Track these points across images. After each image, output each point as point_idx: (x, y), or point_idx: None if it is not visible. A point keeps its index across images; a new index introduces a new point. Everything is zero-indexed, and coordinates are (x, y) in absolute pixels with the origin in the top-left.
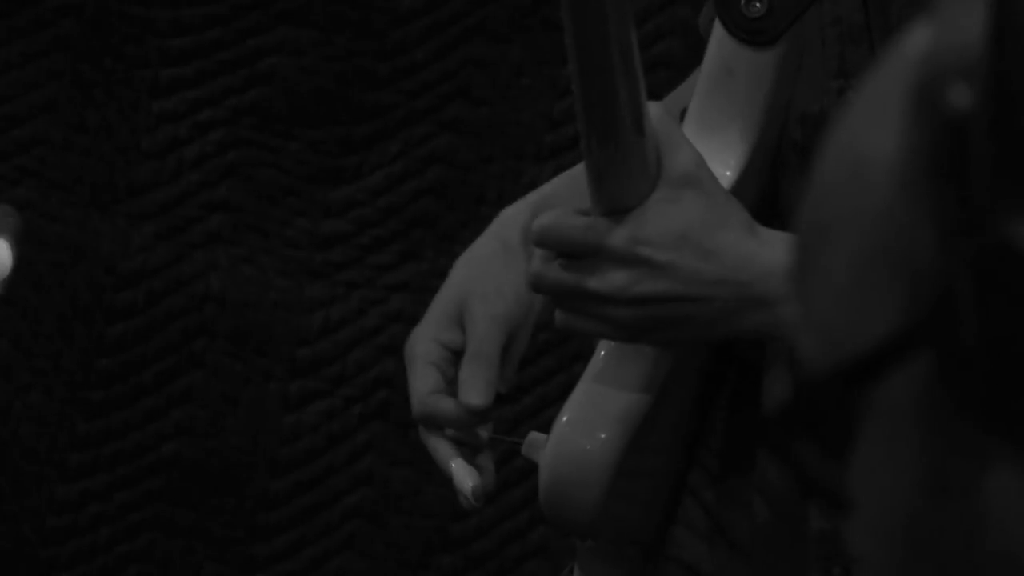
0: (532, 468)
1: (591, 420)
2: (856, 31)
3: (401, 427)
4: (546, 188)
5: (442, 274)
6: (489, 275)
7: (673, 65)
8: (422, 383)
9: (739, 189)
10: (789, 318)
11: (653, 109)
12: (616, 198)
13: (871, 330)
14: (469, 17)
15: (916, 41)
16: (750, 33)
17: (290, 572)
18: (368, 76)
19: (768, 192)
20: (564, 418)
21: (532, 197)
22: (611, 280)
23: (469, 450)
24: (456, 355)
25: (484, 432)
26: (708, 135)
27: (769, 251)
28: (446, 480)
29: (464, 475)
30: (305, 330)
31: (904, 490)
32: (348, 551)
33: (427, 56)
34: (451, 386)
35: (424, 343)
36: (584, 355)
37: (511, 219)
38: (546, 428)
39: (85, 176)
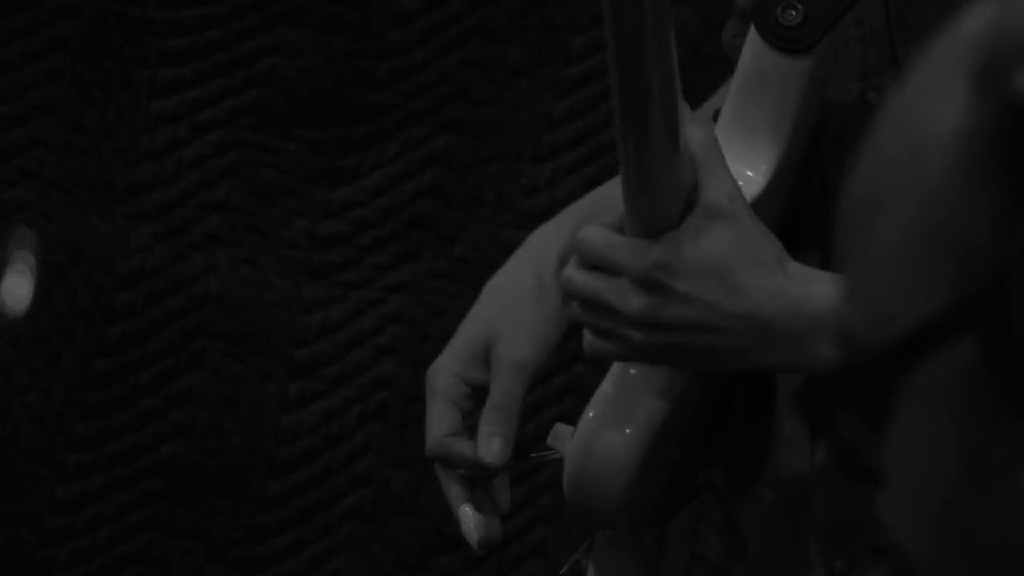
0: (533, 469)
1: (617, 416)
2: (877, 33)
3: (400, 428)
4: (583, 205)
5: (441, 275)
6: (519, 315)
7: None
8: (439, 423)
9: (769, 195)
10: (814, 356)
11: (697, 133)
12: (650, 216)
13: (920, 307)
14: (468, 18)
15: (975, 22)
16: (785, 41)
17: (289, 573)
18: (367, 77)
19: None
20: (591, 413)
21: (568, 220)
22: (632, 303)
23: (482, 480)
24: (477, 391)
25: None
26: (740, 140)
27: (797, 288)
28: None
29: (471, 526)
30: (304, 331)
31: (942, 468)
32: (347, 552)
33: (426, 57)
34: (468, 419)
35: (447, 378)
36: (583, 358)
37: (548, 249)
38: (545, 430)
39: (84, 177)
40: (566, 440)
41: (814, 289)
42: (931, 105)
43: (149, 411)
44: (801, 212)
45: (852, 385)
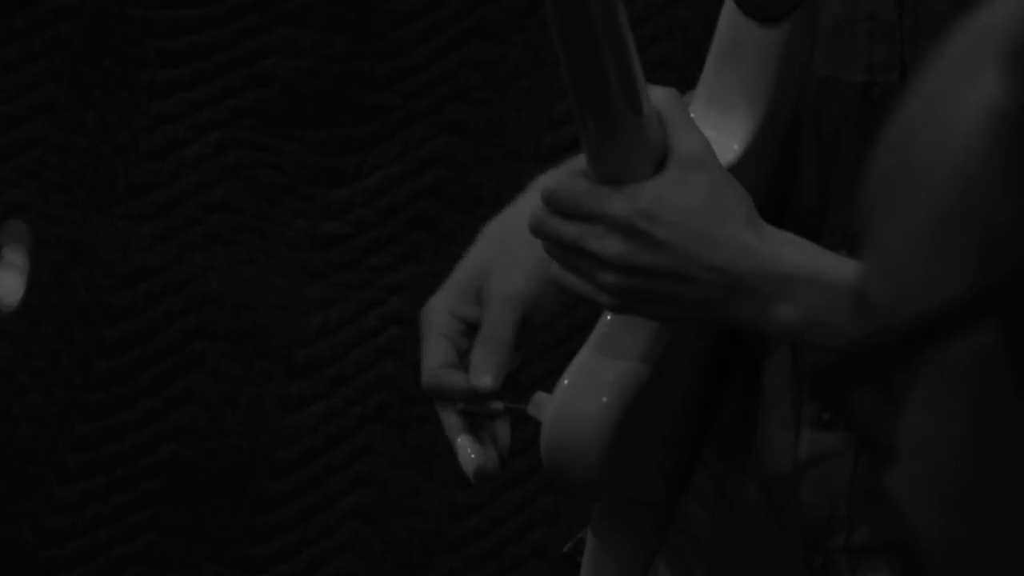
0: (532, 470)
1: (592, 384)
2: (888, 29)
3: (400, 428)
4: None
5: (442, 275)
6: (513, 252)
7: (673, 66)
8: (433, 357)
9: (745, 163)
10: (774, 316)
11: (658, 92)
12: (613, 172)
13: (943, 289)
14: (468, 18)
15: (1004, 5)
16: (758, 8)
17: (289, 573)
18: (367, 77)
19: (783, 163)
20: (566, 381)
21: (573, 165)
22: (608, 246)
23: (483, 421)
24: (471, 328)
25: (497, 404)
26: (716, 108)
27: (767, 247)
28: (445, 481)
29: (467, 455)
30: (304, 331)
31: (957, 452)
32: (347, 552)
33: (426, 57)
34: (463, 358)
35: (440, 314)
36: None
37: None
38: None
39: (84, 177)
40: (546, 408)
41: (783, 251)
42: (959, 87)
43: (149, 411)
44: (797, 192)
45: (870, 359)
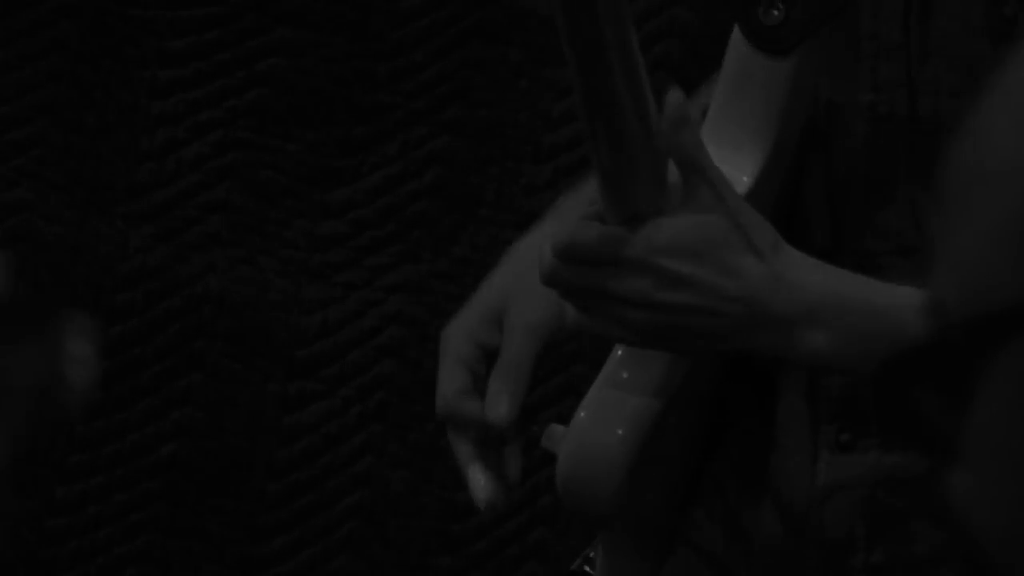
0: (530, 470)
1: (608, 417)
2: (893, 49)
3: (400, 428)
4: None
5: (441, 275)
6: (535, 279)
7: (672, 67)
8: (449, 383)
9: (757, 192)
10: (802, 343)
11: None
12: (629, 206)
13: (1013, 289)
14: (468, 18)
15: None
16: (764, 40)
17: (289, 573)
18: (367, 77)
19: (789, 184)
20: (582, 414)
21: (589, 190)
22: (630, 286)
23: (494, 447)
24: (490, 354)
25: (510, 432)
26: (726, 140)
27: (792, 273)
28: (445, 481)
29: (478, 486)
30: (303, 331)
31: (1022, 454)
32: (347, 552)
33: (426, 57)
34: (480, 382)
35: (459, 340)
36: (584, 356)
37: (569, 211)
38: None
39: (84, 177)
40: (560, 440)
41: (808, 276)
42: None
43: (149, 411)
44: (804, 212)
45: (936, 357)
